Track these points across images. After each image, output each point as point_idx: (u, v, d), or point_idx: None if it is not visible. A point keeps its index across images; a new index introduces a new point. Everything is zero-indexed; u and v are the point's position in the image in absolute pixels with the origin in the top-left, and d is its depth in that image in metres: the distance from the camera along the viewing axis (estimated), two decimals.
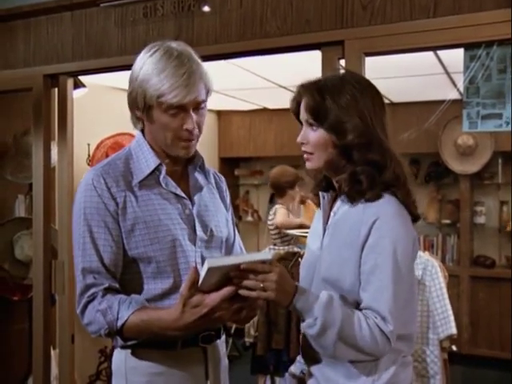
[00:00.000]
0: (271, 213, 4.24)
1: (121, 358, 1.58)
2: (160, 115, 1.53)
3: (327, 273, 1.48)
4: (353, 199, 1.47)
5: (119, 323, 1.45)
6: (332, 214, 1.55)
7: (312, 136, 1.49)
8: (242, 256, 1.36)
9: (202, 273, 1.33)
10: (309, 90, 1.49)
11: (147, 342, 1.52)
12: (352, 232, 1.44)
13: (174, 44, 1.57)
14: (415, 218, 1.51)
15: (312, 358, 1.53)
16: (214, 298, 1.35)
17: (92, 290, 1.49)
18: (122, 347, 1.56)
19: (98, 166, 1.58)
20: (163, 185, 1.59)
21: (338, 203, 1.54)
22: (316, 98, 1.46)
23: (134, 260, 1.54)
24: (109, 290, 1.50)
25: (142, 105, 1.54)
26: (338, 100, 1.45)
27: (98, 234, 1.51)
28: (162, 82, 1.49)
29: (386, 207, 1.43)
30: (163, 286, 1.54)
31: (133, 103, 1.57)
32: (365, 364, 1.44)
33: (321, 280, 1.50)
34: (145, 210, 1.54)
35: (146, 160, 1.59)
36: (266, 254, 1.41)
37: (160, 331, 1.43)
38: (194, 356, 1.58)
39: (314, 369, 1.54)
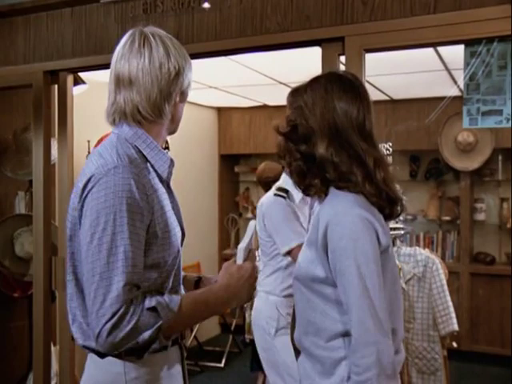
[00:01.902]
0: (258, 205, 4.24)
1: (118, 371, 1.45)
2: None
3: (297, 271, 1.55)
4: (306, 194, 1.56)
5: (176, 308, 1.38)
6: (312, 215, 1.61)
7: None
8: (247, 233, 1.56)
9: (240, 255, 1.54)
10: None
11: (142, 348, 1.42)
12: (313, 232, 1.48)
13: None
14: (389, 214, 1.50)
15: (298, 354, 1.60)
16: (246, 262, 1.53)
17: (134, 304, 1.35)
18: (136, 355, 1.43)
19: (126, 163, 1.40)
20: (170, 183, 1.57)
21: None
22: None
23: (151, 266, 1.44)
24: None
25: (187, 86, 1.58)
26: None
27: (135, 246, 1.37)
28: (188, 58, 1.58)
29: (335, 207, 1.44)
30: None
31: (172, 90, 1.53)
32: (337, 362, 1.44)
33: (295, 279, 1.55)
34: (163, 214, 1.46)
35: (157, 154, 1.51)
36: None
37: (216, 301, 1.49)
38: (177, 354, 1.58)
39: (299, 363, 1.59)
